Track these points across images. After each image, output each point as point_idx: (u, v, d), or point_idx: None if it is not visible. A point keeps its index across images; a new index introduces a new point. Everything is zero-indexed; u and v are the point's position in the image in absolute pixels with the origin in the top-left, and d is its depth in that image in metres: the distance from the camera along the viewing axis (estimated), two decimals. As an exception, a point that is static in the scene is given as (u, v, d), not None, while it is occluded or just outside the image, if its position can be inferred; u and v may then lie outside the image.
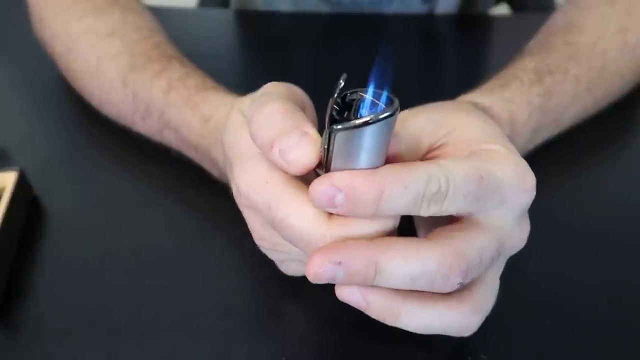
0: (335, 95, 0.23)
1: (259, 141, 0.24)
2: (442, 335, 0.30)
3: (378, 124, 0.21)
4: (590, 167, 0.42)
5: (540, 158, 0.41)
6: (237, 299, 0.32)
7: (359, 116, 0.23)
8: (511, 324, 0.31)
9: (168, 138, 0.39)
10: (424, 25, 0.59)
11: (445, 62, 0.55)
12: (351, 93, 0.23)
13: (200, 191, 0.38)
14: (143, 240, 0.36)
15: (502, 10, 0.83)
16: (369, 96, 0.23)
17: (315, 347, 0.30)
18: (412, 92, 0.49)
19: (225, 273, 0.34)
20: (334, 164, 0.23)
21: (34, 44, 0.46)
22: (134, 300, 0.33)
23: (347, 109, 0.23)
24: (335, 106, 0.23)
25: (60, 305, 0.33)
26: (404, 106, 0.49)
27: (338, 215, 0.23)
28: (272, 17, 0.61)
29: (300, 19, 0.60)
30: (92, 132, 0.44)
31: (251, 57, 0.56)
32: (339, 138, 0.22)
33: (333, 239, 0.23)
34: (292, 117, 0.24)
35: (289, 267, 0.30)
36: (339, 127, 0.22)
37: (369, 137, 0.22)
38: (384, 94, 0.23)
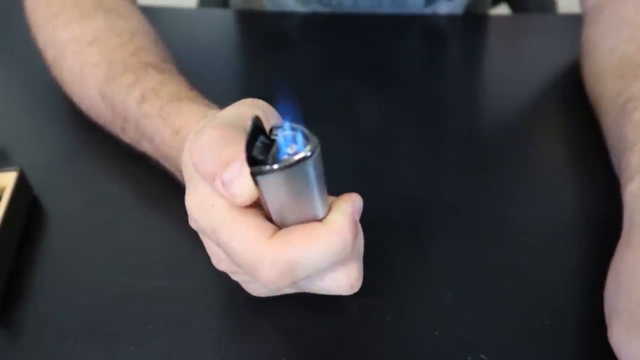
0: (247, 138, 0.22)
1: (202, 174, 0.24)
2: (440, 335, 0.30)
3: (294, 167, 0.21)
4: (586, 168, 0.42)
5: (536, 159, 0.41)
6: (236, 298, 0.32)
7: (279, 157, 0.22)
8: (511, 324, 0.31)
9: (145, 148, 0.38)
10: (424, 25, 0.59)
11: (445, 62, 0.55)
12: (276, 129, 0.23)
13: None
14: (143, 240, 0.36)
15: (502, 10, 0.83)
16: (283, 134, 0.22)
17: (315, 347, 0.30)
18: (411, 92, 0.49)
19: (225, 273, 0.34)
20: (265, 202, 0.23)
21: (34, 44, 0.46)
22: (134, 300, 0.33)
23: (272, 146, 0.23)
24: (261, 144, 0.23)
25: (60, 305, 0.33)
26: (405, 105, 0.49)
27: (278, 236, 0.24)
28: (272, 17, 0.61)
29: (301, 20, 0.60)
30: (92, 132, 0.44)
31: (251, 57, 0.56)
32: (261, 181, 0.22)
33: (272, 261, 0.23)
34: (230, 141, 0.24)
35: (254, 289, 0.30)
36: (257, 170, 0.21)
37: (291, 179, 0.22)
38: (299, 133, 0.22)
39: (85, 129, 0.44)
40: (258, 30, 0.59)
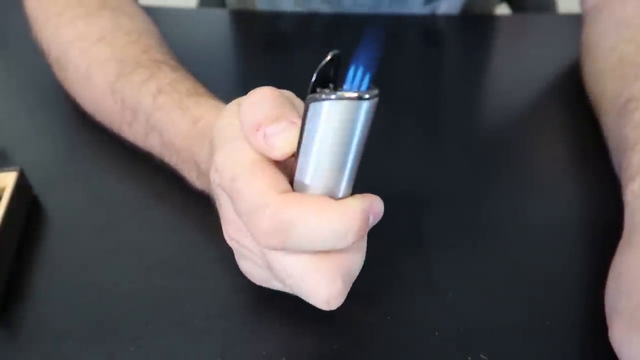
0: (319, 69, 0.22)
1: (246, 122, 0.25)
2: (440, 335, 0.30)
3: (349, 102, 0.21)
4: (586, 168, 0.42)
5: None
6: (237, 298, 0.32)
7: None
8: (511, 324, 0.31)
9: (152, 142, 0.38)
10: (425, 25, 0.59)
11: (446, 61, 0.55)
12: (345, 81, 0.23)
13: (200, 191, 0.38)
14: (143, 240, 0.36)
15: (502, 10, 0.83)
16: (350, 82, 0.22)
17: (315, 347, 0.30)
18: (411, 92, 0.49)
19: (225, 273, 0.34)
20: (304, 144, 0.23)
21: (34, 44, 0.46)
22: (134, 300, 0.33)
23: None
24: (327, 89, 0.23)
25: (60, 305, 0.32)
26: (405, 105, 0.49)
27: (289, 193, 0.24)
28: (272, 17, 0.61)
29: (300, 19, 0.60)
30: (92, 132, 0.44)
31: (251, 57, 0.56)
32: (312, 110, 0.22)
33: (273, 212, 0.23)
34: (282, 105, 0.25)
35: (245, 267, 0.30)
36: (312, 97, 0.21)
37: (340, 117, 0.22)
38: (365, 82, 0.22)
39: (86, 129, 0.44)
40: (257, 30, 0.59)
